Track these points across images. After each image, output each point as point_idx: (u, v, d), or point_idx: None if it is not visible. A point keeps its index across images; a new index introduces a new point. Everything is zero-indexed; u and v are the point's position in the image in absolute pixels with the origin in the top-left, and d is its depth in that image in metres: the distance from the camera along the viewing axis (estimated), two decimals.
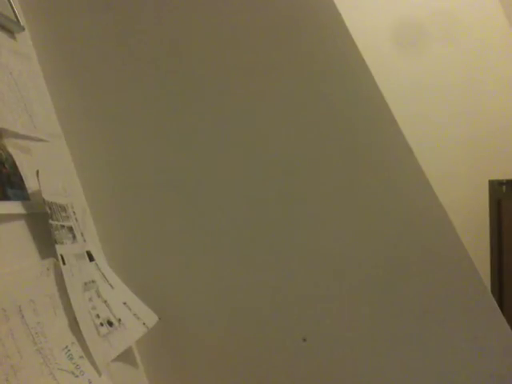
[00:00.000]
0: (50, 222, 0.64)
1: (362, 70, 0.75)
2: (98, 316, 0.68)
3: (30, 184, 0.66)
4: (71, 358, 0.60)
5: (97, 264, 0.75)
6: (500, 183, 1.61)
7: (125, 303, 0.77)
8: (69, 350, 0.60)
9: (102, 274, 0.76)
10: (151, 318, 0.80)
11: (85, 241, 0.73)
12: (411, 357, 0.77)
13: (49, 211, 0.64)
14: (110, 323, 0.70)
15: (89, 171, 0.83)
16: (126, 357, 0.77)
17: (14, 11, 0.76)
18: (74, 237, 0.70)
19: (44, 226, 0.64)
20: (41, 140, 0.74)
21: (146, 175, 0.82)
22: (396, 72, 1.45)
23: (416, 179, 0.74)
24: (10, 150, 0.65)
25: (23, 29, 0.78)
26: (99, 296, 0.71)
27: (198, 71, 0.79)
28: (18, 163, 0.65)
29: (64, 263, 0.63)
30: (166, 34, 0.79)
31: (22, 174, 0.65)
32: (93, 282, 0.71)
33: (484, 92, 1.68)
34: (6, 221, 0.60)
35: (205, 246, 0.81)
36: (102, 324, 0.68)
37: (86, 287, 0.68)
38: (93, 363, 0.62)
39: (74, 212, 0.72)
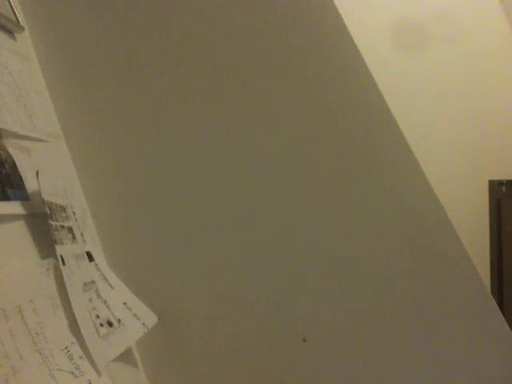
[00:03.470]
0: (50, 222, 0.64)
1: (362, 71, 0.75)
2: (97, 316, 0.68)
3: (30, 184, 0.66)
4: (71, 359, 0.60)
5: (96, 264, 0.75)
6: (500, 183, 1.61)
7: (125, 303, 0.77)
8: (68, 351, 0.60)
9: (102, 274, 0.76)
10: (151, 318, 0.80)
11: (84, 241, 0.73)
12: (411, 357, 0.77)
13: (48, 211, 0.64)
14: (110, 324, 0.70)
15: (89, 171, 0.83)
16: (125, 357, 0.77)
17: (13, 11, 0.76)
18: (74, 237, 0.70)
19: (44, 226, 0.64)
20: (41, 140, 0.74)
21: (145, 175, 0.82)
22: (396, 73, 1.45)
23: (416, 179, 0.74)
24: (10, 150, 0.65)
25: (23, 29, 0.78)
26: (99, 296, 0.71)
27: (198, 72, 0.79)
28: (17, 163, 0.65)
29: (64, 263, 0.63)
30: (167, 34, 0.79)
31: (21, 174, 0.65)
32: (92, 282, 0.71)
33: (484, 92, 1.68)
34: (6, 221, 0.60)
35: (205, 247, 0.81)
36: (101, 324, 0.68)
37: (86, 288, 0.68)
38: (93, 364, 0.62)
39: (73, 212, 0.72)
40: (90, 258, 0.73)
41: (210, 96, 0.79)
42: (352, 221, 0.77)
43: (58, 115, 0.82)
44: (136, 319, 0.77)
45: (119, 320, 0.72)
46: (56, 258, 0.63)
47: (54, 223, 0.65)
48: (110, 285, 0.76)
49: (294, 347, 0.80)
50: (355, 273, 0.77)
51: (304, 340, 0.80)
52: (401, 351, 0.77)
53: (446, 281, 0.75)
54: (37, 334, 0.56)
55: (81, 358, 0.61)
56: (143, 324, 0.77)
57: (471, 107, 1.64)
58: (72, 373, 0.59)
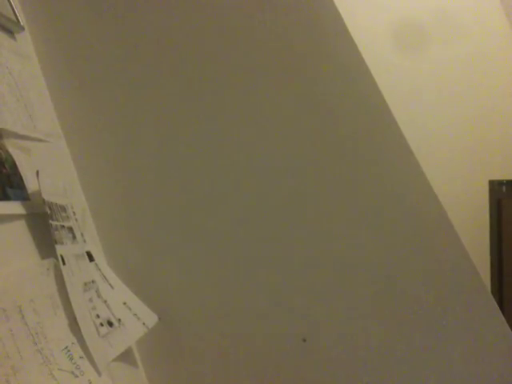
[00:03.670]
0: (50, 222, 0.64)
1: (362, 70, 0.75)
2: (98, 316, 0.68)
3: (30, 184, 0.66)
4: (71, 359, 0.60)
5: (97, 264, 0.75)
6: (500, 183, 1.61)
7: (125, 303, 0.77)
8: (69, 351, 0.60)
9: (102, 274, 0.76)
10: (151, 318, 0.80)
11: (85, 241, 0.73)
12: (411, 356, 0.77)
13: (49, 211, 0.64)
14: (110, 323, 0.70)
15: (89, 171, 0.83)
16: (125, 357, 0.77)
17: (14, 11, 0.77)
18: (74, 237, 0.70)
19: (44, 226, 0.64)
20: (41, 140, 0.74)
21: (146, 175, 0.82)
22: (396, 72, 1.45)
23: (416, 180, 0.74)
24: (10, 150, 0.65)
25: (23, 29, 0.78)
26: (99, 296, 0.71)
27: (198, 72, 0.79)
28: (17, 163, 0.65)
29: (64, 263, 0.63)
30: (167, 34, 0.79)
31: (22, 174, 0.65)
32: (93, 282, 0.71)
33: (484, 92, 1.68)
34: (6, 221, 0.60)
35: (205, 247, 0.81)
36: (102, 324, 0.68)
37: (86, 287, 0.68)
38: (93, 363, 0.62)
39: (73, 212, 0.72)
40: (90, 257, 0.73)
41: (210, 96, 0.79)
42: (352, 221, 0.77)
43: (58, 115, 0.82)
44: (136, 319, 0.77)
45: (119, 320, 0.72)
46: (56, 257, 0.63)
47: (54, 223, 0.65)
48: (110, 285, 0.77)
49: (294, 347, 0.80)
50: (355, 273, 0.77)
51: (304, 340, 0.80)
52: (401, 351, 0.77)
53: (446, 281, 0.75)
54: (37, 333, 0.56)
55: (81, 357, 0.61)
56: (143, 324, 0.77)
57: (471, 107, 1.64)
58: (72, 372, 0.59)
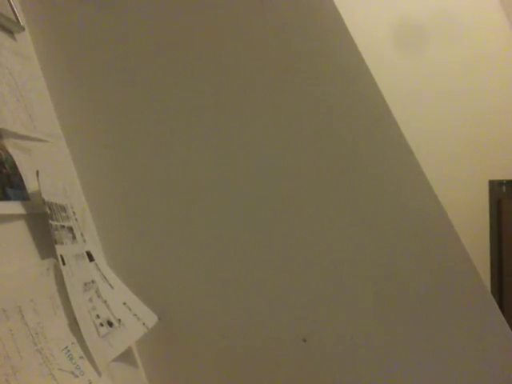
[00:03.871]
0: (50, 222, 0.64)
1: (362, 70, 0.75)
2: (97, 316, 0.68)
3: (30, 184, 0.66)
4: (71, 359, 0.60)
5: (97, 264, 0.75)
6: (500, 183, 1.61)
7: (125, 303, 0.77)
8: (69, 351, 0.60)
9: (102, 274, 0.76)
10: (151, 318, 0.80)
11: (85, 241, 0.73)
12: (411, 357, 0.77)
13: (49, 211, 0.64)
14: (110, 323, 0.70)
15: (89, 171, 0.83)
16: (125, 357, 0.77)
17: (14, 11, 0.77)
18: (74, 237, 0.70)
19: (44, 226, 0.64)
20: (41, 140, 0.74)
21: (145, 175, 0.82)
22: (396, 72, 1.45)
23: (416, 180, 0.74)
24: (10, 150, 0.65)
25: (23, 29, 0.78)
26: (99, 296, 0.71)
27: (198, 72, 0.79)
28: (17, 163, 0.65)
29: (64, 263, 0.63)
30: (167, 34, 0.79)
31: (22, 174, 0.65)
32: (93, 282, 0.71)
33: (484, 93, 1.68)
34: (6, 221, 0.60)
35: (205, 247, 0.81)
36: (101, 324, 0.68)
37: (86, 287, 0.68)
38: (93, 363, 0.62)
39: (73, 212, 0.72)
40: (90, 257, 0.73)
41: (210, 96, 0.79)
42: (352, 221, 0.77)
43: (58, 115, 0.82)
44: (136, 319, 0.77)
45: (119, 320, 0.72)
46: (56, 257, 0.63)
47: (54, 223, 0.65)
48: (110, 285, 0.77)
49: (294, 347, 0.80)
50: (355, 273, 0.77)
51: (304, 340, 0.80)
52: (401, 351, 0.77)
53: (446, 281, 0.75)
54: (37, 333, 0.56)
55: (81, 357, 0.61)
56: (143, 324, 0.77)
57: (471, 107, 1.64)
58: (72, 372, 0.59)
